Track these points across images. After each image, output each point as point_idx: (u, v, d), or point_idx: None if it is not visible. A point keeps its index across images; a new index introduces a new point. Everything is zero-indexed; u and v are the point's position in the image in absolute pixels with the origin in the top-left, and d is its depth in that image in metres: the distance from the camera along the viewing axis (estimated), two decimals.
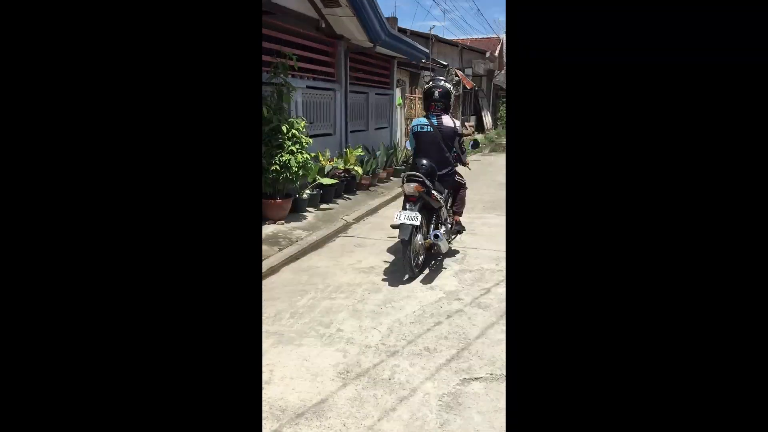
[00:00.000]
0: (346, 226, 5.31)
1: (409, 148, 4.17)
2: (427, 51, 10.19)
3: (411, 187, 3.55)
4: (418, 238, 3.64)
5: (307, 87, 6.56)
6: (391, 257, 4.22)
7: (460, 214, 4.27)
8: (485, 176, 8.90)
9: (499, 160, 11.24)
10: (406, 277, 3.64)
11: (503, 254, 4.07)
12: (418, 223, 3.45)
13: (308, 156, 5.19)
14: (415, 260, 3.65)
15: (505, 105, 19.32)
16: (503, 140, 14.67)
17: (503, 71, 20.64)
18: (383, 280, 3.67)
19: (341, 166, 6.68)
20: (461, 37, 22.46)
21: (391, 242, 4.56)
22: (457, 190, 4.19)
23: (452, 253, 4.24)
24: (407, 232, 3.42)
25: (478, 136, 15.85)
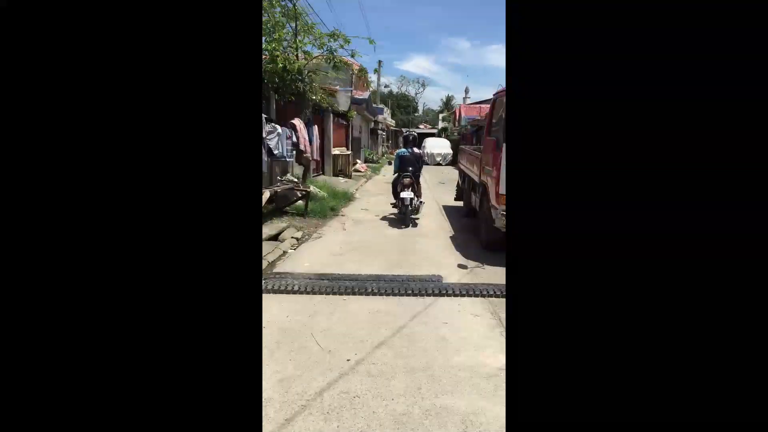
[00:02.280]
0: None
1: (394, 164, 8.31)
2: None
3: (407, 180, 7.68)
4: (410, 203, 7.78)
5: None
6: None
7: (420, 195, 8.51)
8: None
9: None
10: (403, 226, 7.69)
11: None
12: (412, 195, 7.58)
13: None
14: (408, 217, 7.74)
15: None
16: None
17: None
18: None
19: None
20: None
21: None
22: (419, 183, 8.42)
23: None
24: (408, 201, 7.53)
25: None
